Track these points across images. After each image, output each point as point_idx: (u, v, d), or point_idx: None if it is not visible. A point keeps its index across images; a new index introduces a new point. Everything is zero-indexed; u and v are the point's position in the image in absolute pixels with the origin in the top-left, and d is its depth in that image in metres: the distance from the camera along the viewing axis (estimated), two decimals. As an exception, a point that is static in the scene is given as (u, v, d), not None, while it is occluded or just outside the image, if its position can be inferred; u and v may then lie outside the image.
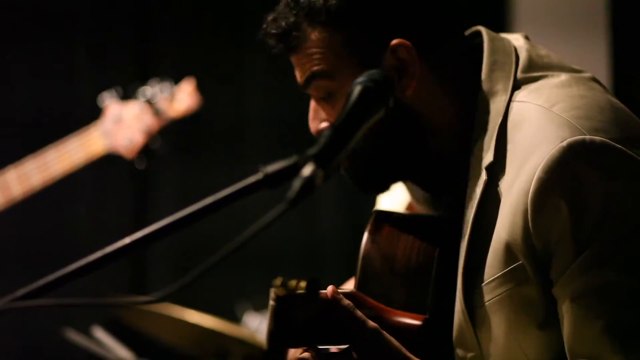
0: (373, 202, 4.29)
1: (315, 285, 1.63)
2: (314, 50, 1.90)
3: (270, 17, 1.92)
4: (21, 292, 1.61)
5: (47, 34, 4.51)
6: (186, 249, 4.30)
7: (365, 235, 1.90)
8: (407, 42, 1.85)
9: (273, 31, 1.91)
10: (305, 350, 1.79)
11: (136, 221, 4.46)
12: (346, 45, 1.88)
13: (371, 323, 1.76)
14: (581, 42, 4.14)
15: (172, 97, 3.57)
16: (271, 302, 1.66)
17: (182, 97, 3.58)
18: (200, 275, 1.53)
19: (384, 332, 1.77)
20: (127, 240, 1.61)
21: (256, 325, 3.34)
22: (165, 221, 1.62)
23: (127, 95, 3.58)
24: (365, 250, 1.89)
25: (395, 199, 2.15)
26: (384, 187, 1.96)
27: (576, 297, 1.74)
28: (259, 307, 3.43)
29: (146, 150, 3.57)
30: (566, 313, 1.76)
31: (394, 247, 1.89)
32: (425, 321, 1.82)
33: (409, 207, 2.10)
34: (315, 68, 1.90)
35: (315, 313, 1.73)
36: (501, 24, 4.24)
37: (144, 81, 3.60)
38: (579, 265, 1.74)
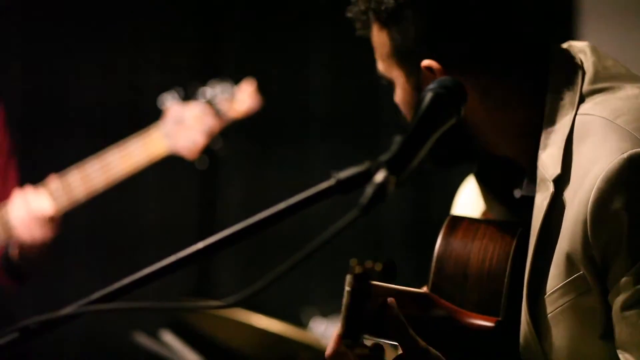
0: (436, 201, 4.31)
1: (390, 267, 1.65)
2: (374, 41, 1.98)
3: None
4: (94, 296, 1.63)
5: (113, 33, 4.57)
6: (248, 250, 4.33)
7: (440, 238, 1.94)
8: (435, 65, 1.89)
9: (349, 14, 1.99)
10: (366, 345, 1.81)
11: (203, 217, 4.52)
12: (394, 51, 1.94)
13: (422, 342, 1.78)
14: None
15: (232, 98, 3.57)
16: (347, 288, 1.67)
17: (243, 98, 3.59)
18: (272, 282, 1.54)
19: (432, 349, 1.79)
20: (200, 245, 1.62)
21: (322, 331, 3.34)
22: (238, 227, 1.63)
23: (187, 96, 3.60)
24: (439, 252, 1.92)
25: (470, 206, 2.15)
26: (451, 165, 2.02)
27: (628, 305, 1.76)
28: (325, 312, 3.44)
29: (208, 151, 3.58)
30: (617, 322, 1.78)
31: (467, 250, 1.91)
32: (497, 323, 1.84)
33: (484, 214, 2.11)
34: (376, 57, 1.98)
35: (382, 306, 1.76)
36: (568, 19, 4.21)
37: (204, 82, 3.62)
38: (633, 274, 1.75)
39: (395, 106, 2.01)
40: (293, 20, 4.63)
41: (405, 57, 1.93)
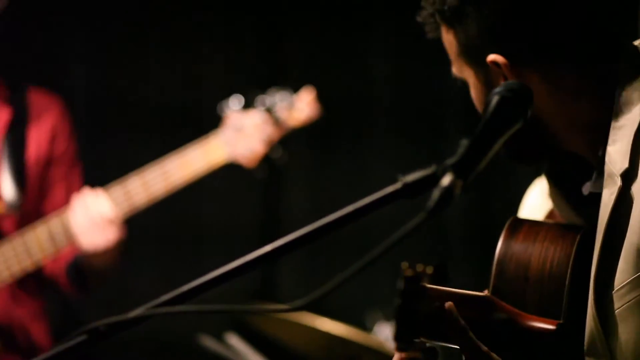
0: (497, 202, 4.29)
1: (442, 270, 1.66)
2: (444, 42, 1.98)
3: (423, 3, 1.99)
4: (162, 298, 1.65)
5: (176, 38, 4.64)
6: (310, 253, 4.36)
7: (500, 241, 1.94)
8: (501, 59, 1.88)
9: (419, 18, 1.99)
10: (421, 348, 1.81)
11: (267, 221, 4.56)
12: (461, 50, 1.94)
13: (483, 347, 1.78)
14: None
15: (292, 106, 3.58)
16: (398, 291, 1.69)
17: (302, 107, 3.60)
18: (339, 285, 1.55)
19: (494, 354, 1.79)
20: (267, 248, 1.63)
21: (387, 334, 3.34)
22: (305, 230, 1.64)
23: (247, 104, 3.62)
24: (499, 255, 1.92)
25: (536, 208, 2.15)
26: (524, 160, 2.01)
27: None
28: (390, 316, 3.44)
29: (267, 160, 3.60)
30: None
31: (528, 253, 1.91)
32: (559, 326, 1.83)
33: (550, 215, 2.10)
34: (450, 59, 1.98)
35: (440, 309, 1.77)
36: (633, 18, 4.18)
37: (264, 90, 3.64)
38: None
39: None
40: (354, 26, 4.66)
41: (471, 54, 1.93)
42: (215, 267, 1.66)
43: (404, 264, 1.65)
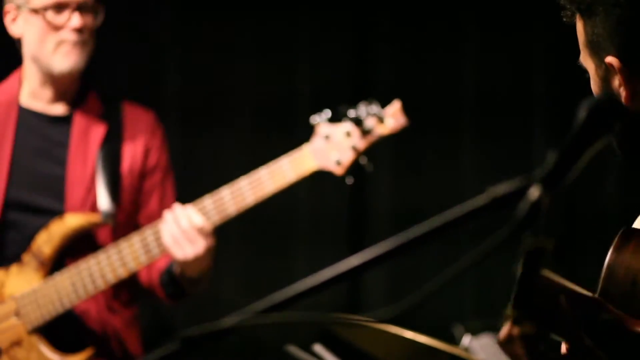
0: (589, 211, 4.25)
1: (559, 247, 1.66)
2: (577, 29, 2.04)
3: None
4: (253, 308, 1.66)
5: (273, 51, 4.70)
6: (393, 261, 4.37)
7: (612, 247, 1.99)
8: (616, 63, 1.94)
9: (561, 1, 2.05)
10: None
11: (353, 220, 4.61)
12: (587, 42, 2.01)
13: (588, 340, 1.81)
14: None
15: (379, 118, 3.63)
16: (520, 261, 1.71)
17: (389, 119, 3.64)
18: (425, 298, 1.55)
19: (599, 351, 1.81)
20: (354, 261, 1.64)
21: (467, 343, 3.33)
22: (391, 244, 1.63)
23: (336, 115, 3.66)
24: (610, 260, 1.97)
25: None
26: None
27: None
28: (474, 331, 3.44)
29: (355, 168, 3.64)
30: None
31: (638, 261, 1.95)
32: None
33: None
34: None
35: (553, 301, 1.81)
36: None
37: (353, 103, 3.68)
38: None
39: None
40: (442, 39, 4.69)
41: (594, 49, 2.00)
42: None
43: (527, 235, 1.66)
